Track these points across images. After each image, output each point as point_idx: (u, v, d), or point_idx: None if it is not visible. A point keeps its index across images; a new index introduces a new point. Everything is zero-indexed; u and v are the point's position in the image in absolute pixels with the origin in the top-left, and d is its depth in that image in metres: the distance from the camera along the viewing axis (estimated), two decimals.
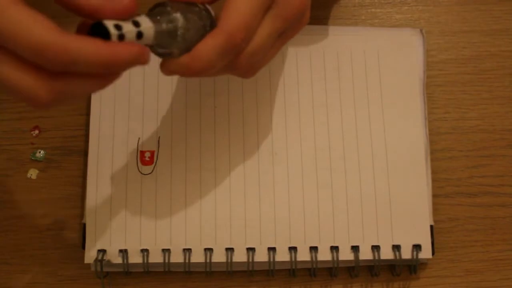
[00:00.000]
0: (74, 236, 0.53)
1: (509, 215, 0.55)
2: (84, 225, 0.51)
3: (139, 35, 0.37)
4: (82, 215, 0.53)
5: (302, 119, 0.54)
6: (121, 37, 0.36)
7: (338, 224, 0.52)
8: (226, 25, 0.38)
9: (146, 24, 0.37)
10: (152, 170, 0.53)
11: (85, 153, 0.54)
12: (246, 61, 0.42)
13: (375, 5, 0.60)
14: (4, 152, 0.55)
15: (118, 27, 0.36)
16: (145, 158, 0.53)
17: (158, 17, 0.38)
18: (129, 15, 0.37)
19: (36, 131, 0.55)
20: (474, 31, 0.59)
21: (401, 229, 0.52)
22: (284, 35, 0.44)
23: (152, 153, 0.53)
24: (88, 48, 0.34)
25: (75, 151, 0.55)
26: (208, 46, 0.38)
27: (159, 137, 0.53)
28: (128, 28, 0.36)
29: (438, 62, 0.58)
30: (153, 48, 0.38)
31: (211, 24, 0.39)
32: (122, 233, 0.51)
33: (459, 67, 0.58)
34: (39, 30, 0.33)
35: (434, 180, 0.55)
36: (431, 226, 0.53)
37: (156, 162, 0.53)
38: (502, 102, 0.58)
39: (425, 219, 0.53)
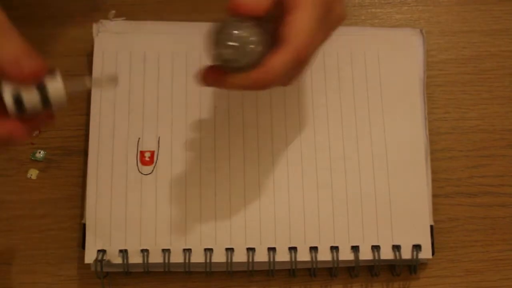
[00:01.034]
0: (74, 236, 0.53)
1: (509, 215, 0.55)
2: (84, 225, 0.51)
3: (45, 101, 0.36)
4: (82, 215, 0.53)
5: (302, 119, 0.54)
6: (21, 110, 0.36)
7: (338, 224, 0.52)
8: (295, 42, 0.40)
9: (54, 85, 0.36)
10: (152, 170, 0.53)
11: (85, 153, 0.54)
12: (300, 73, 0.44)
13: (375, 5, 0.60)
14: (4, 152, 0.54)
15: (17, 100, 0.35)
16: (145, 158, 0.53)
17: (235, 32, 0.39)
18: (37, 80, 0.36)
19: (36, 131, 0.55)
20: (474, 31, 0.59)
21: (401, 229, 0.52)
22: None
23: (152, 153, 0.53)
24: None
25: (75, 151, 0.55)
26: (279, 61, 0.40)
27: (159, 137, 0.53)
28: (29, 98, 0.35)
29: (438, 62, 0.58)
30: (225, 63, 0.40)
31: (271, 38, 0.41)
32: (122, 233, 0.51)
33: (459, 67, 0.58)
34: None
35: (434, 180, 0.55)
36: (431, 226, 0.53)
37: (156, 162, 0.53)
38: (502, 102, 0.58)
39: (425, 219, 0.53)
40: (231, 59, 0.39)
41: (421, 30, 0.57)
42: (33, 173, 0.54)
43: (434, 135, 0.56)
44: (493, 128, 0.57)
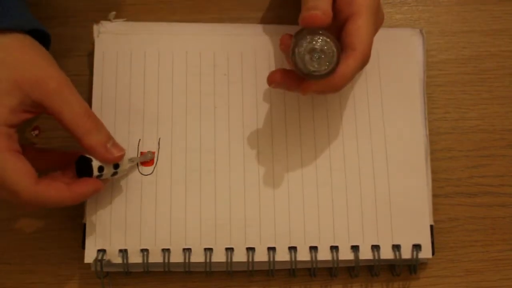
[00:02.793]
0: (74, 236, 0.53)
1: (509, 215, 0.55)
2: (84, 225, 0.51)
3: (114, 174, 0.49)
4: (82, 215, 0.53)
5: (301, 119, 0.54)
6: (100, 175, 0.48)
7: (338, 224, 0.52)
8: (361, 48, 0.45)
9: (123, 164, 0.50)
10: (152, 171, 0.53)
11: None
12: None
13: None
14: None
15: (100, 169, 0.47)
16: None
17: (318, 45, 0.43)
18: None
19: (36, 131, 0.55)
20: (474, 31, 0.59)
21: (401, 229, 0.52)
22: None
23: (153, 154, 0.53)
24: (51, 194, 0.44)
25: None
26: (351, 67, 0.45)
27: (159, 138, 0.53)
28: (107, 170, 0.48)
29: (438, 62, 0.58)
30: (311, 72, 0.44)
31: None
32: (122, 233, 0.51)
33: (459, 67, 0.58)
34: (16, 178, 0.43)
35: (434, 180, 0.55)
36: (431, 226, 0.53)
37: (156, 163, 0.53)
38: (502, 102, 0.58)
39: (425, 219, 0.53)
40: (316, 70, 0.44)
41: (421, 30, 0.57)
42: None
43: (434, 135, 0.56)
44: (493, 128, 0.57)
